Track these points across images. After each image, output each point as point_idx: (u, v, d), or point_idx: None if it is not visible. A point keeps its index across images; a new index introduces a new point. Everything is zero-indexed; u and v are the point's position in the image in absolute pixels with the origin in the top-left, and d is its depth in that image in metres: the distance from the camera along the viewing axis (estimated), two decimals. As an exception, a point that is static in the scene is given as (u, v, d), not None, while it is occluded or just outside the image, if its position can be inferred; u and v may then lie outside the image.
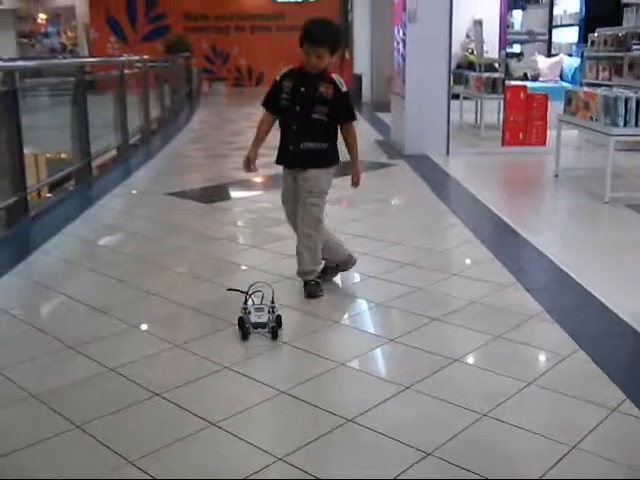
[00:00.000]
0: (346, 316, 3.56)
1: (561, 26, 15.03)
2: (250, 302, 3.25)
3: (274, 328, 3.17)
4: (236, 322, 3.22)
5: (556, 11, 15.51)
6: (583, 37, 13.96)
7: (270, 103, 3.81)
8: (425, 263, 4.27)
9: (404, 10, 8.34)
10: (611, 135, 5.90)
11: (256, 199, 6.27)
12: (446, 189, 6.86)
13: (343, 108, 3.71)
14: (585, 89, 6.66)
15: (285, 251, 4.41)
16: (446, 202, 6.03)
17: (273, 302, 3.25)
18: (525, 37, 10.10)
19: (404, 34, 8.44)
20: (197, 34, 23.34)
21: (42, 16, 24.76)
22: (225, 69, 24.26)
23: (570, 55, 13.12)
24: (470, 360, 2.97)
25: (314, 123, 3.64)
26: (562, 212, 5.82)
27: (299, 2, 23.80)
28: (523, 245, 4.74)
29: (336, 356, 2.98)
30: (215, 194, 6.57)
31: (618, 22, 14.26)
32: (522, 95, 8.64)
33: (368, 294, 3.78)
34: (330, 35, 3.68)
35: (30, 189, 5.65)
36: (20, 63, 7.94)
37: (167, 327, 3.35)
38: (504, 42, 15.29)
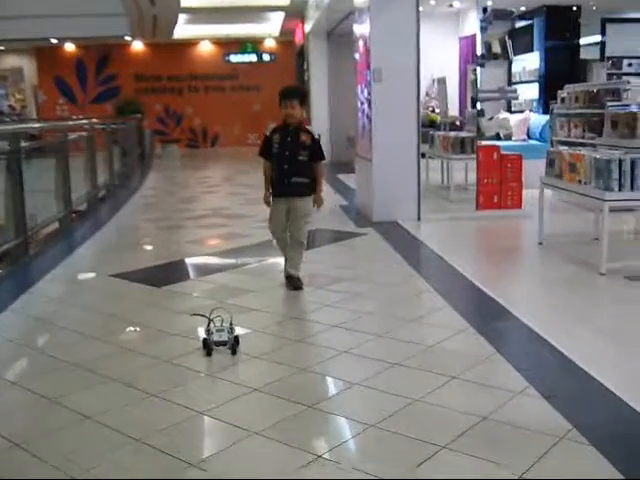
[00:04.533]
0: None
1: (520, 82, 14.82)
2: (212, 325, 3.85)
3: (233, 345, 3.78)
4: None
5: (515, 68, 15.35)
6: (544, 94, 13.76)
7: (266, 153, 5.14)
8: (415, 362, 3.60)
9: (368, 69, 7.83)
10: (605, 200, 5.36)
11: (214, 280, 5.53)
12: (425, 263, 6.24)
13: (317, 150, 5.09)
14: (569, 150, 6.14)
15: (250, 351, 3.73)
16: (427, 279, 5.38)
17: (232, 324, 3.87)
18: (496, 94, 9.72)
19: (369, 93, 7.93)
20: (149, 95, 22.79)
21: (-12, 78, 24.09)
22: (179, 130, 23.67)
23: (530, 111, 12.82)
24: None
25: (300, 163, 5.02)
26: (556, 287, 5.19)
27: (253, 62, 23.46)
28: (526, 335, 4.09)
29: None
30: (167, 274, 5.84)
31: (579, 79, 14.12)
32: (495, 156, 8.14)
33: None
34: (297, 91, 5.27)
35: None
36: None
37: None
38: (464, 100, 15.06)
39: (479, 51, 8.51)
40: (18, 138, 6.45)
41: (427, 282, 5.25)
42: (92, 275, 5.91)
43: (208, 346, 3.78)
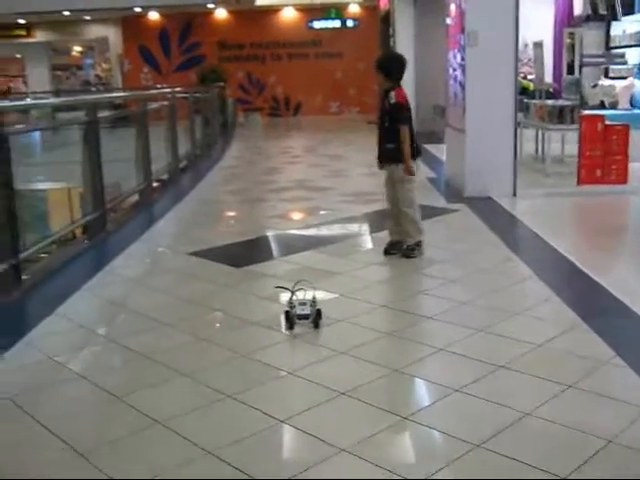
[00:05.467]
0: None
1: (620, 47, 13.88)
2: (294, 297, 3.75)
3: (316, 319, 3.70)
4: None
5: (614, 31, 14.37)
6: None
7: None
8: (522, 365, 3.16)
9: (462, 32, 7.28)
10: None
11: (297, 260, 5.17)
12: (525, 245, 5.70)
13: (394, 115, 5.00)
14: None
15: (337, 346, 3.37)
16: (528, 264, 4.86)
17: (314, 298, 3.76)
18: (602, 59, 8.98)
19: (462, 59, 7.38)
20: (232, 63, 22.51)
21: (76, 48, 24.33)
22: (261, 99, 23.38)
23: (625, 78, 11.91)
24: None
25: (385, 129, 5.11)
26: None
27: (336, 28, 22.90)
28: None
29: None
30: (248, 253, 5.53)
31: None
32: (600, 126, 7.49)
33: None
34: (378, 62, 5.14)
35: (24, 253, 4.68)
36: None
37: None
38: (559, 66, 14.21)
39: (583, 11, 7.81)
40: (95, 108, 6.21)
41: (529, 268, 4.75)
42: (170, 252, 5.63)
43: (290, 319, 3.70)
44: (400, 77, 5.10)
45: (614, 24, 14.38)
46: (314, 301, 3.76)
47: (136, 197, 7.73)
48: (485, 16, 7.10)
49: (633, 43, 13.51)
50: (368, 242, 5.81)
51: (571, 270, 4.76)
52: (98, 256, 5.64)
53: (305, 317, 3.71)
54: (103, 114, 7.10)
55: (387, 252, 5.19)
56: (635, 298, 4.05)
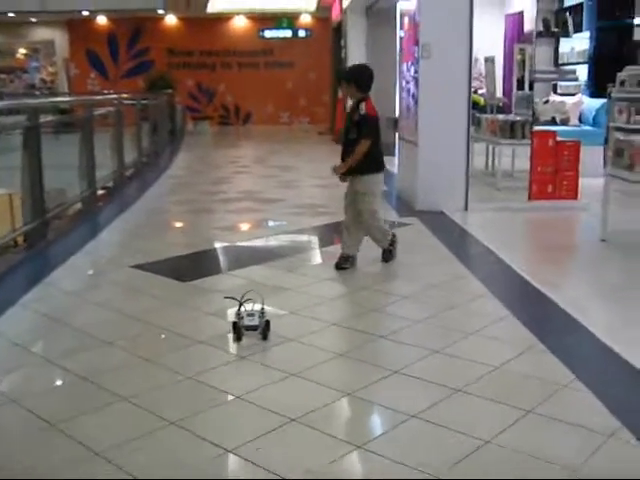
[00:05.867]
0: None
1: (568, 64, 14.06)
2: (243, 308, 3.68)
3: (264, 330, 3.63)
4: None
5: (562, 48, 14.56)
6: (594, 76, 12.99)
7: None
8: (478, 389, 3.05)
9: (416, 45, 7.22)
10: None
11: (246, 275, 5.00)
12: (478, 261, 5.61)
13: (360, 127, 4.94)
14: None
15: (293, 369, 3.21)
16: (483, 281, 4.78)
17: (263, 308, 3.70)
18: (554, 75, 9.02)
19: (416, 71, 7.32)
20: (182, 70, 22.24)
21: (21, 51, 23.72)
22: (211, 107, 23.13)
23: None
24: None
25: (351, 142, 4.98)
26: (633, 294, 4.59)
27: (288, 38, 22.80)
28: (606, 357, 3.52)
29: None
30: (195, 266, 5.34)
31: (632, 61, 13.33)
32: (551, 142, 7.50)
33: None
34: (347, 72, 5.35)
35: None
36: None
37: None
38: (509, 82, 14.33)
39: (535, 27, 7.84)
40: (37, 113, 5.95)
41: (483, 284, 4.67)
42: (113, 265, 5.39)
43: (238, 330, 3.63)
44: (370, 87, 5.05)
45: (563, 41, 14.59)
46: (263, 312, 3.70)
47: (80, 205, 7.46)
48: (439, 29, 7.05)
49: (581, 60, 13.72)
50: (318, 256, 5.68)
51: (525, 287, 4.69)
52: (37, 268, 5.38)
53: (253, 328, 3.64)
54: (46, 119, 6.85)
55: (338, 266, 5.06)
56: (589, 316, 4.00)
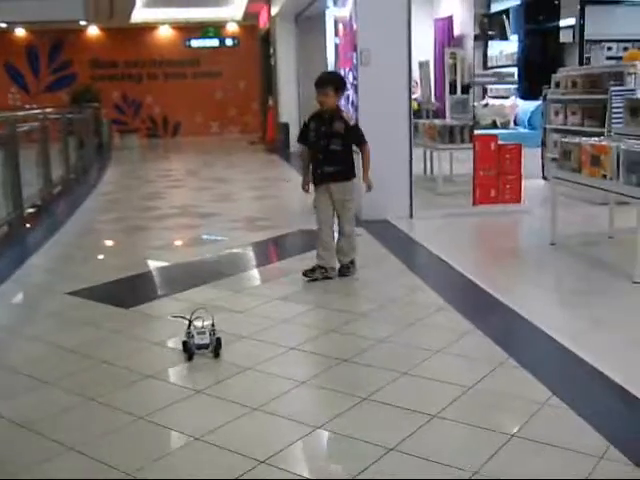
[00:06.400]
0: None
1: (497, 67, 14.18)
2: (192, 327, 3.58)
3: (216, 348, 3.54)
4: None
5: (491, 52, 14.68)
6: (523, 78, 13.11)
7: (304, 139, 5.07)
8: (454, 414, 2.85)
9: (354, 51, 7.05)
10: (640, 199, 4.68)
11: (189, 297, 4.68)
12: (431, 271, 5.44)
13: (356, 137, 5.00)
14: (590, 141, 5.45)
15: (253, 402, 2.95)
16: (439, 292, 4.61)
17: (213, 326, 3.61)
18: (492, 79, 8.99)
19: (354, 78, 7.15)
20: (106, 82, 21.64)
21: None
22: (138, 119, 22.58)
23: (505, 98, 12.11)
24: None
25: (332, 153, 4.91)
26: (592, 299, 4.48)
27: (215, 47, 22.46)
28: (583, 371, 3.37)
29: None
30: (134, 291, 5.02)
31: (561, 62, 13.53)
32: (493, 146, 7.43)
33: None
34: (331, 78, 5.09)
35: None
36: None
37: None
38: (440, 86, 14.36)
39: (473, 31, 7.79)
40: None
41: (440, 296, 4.49)
42: (47, 293, 5.02)
43: (189, 350, 3.53)
44: (343, 93, 5.14)
45: (491, 44, 14.72)
46: (213, 329, 3.60)
47: (5, 229, 7.01)
48: (377, 34, 6.89)
49: (510, 63, 13.87)
50: (265, 274, 5.42)
51: (484, 297, 4.53)
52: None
53: (205, 347, 3.55)
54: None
55: (306, 274, 4.93)
56: (553, 325, 3.86)
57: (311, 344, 3.80)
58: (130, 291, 5.02)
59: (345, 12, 7.54)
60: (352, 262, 5.08)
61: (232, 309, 4.39)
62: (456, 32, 13.19)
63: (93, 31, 21.77)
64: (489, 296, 4.50)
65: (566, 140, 5.81)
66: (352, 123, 4.99)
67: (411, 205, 7.18)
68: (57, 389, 3.26)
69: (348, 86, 7.48)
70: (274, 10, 16.10)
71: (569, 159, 5.64)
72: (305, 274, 4.92)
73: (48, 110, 11.80)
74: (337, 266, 5.05)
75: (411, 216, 7.17)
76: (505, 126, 10.00)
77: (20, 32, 21.45)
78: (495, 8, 14.34)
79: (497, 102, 10.55)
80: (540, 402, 2.94)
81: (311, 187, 5.11)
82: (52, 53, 21.81)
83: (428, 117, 10.03)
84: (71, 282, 5.11)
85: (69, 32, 21.23)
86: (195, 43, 22.34)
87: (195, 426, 2.82)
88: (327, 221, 5.03)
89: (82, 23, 20.45)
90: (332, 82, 4.93)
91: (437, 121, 9.15)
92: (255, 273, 5.51)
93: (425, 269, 5.50)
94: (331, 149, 4.88)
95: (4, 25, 20.29)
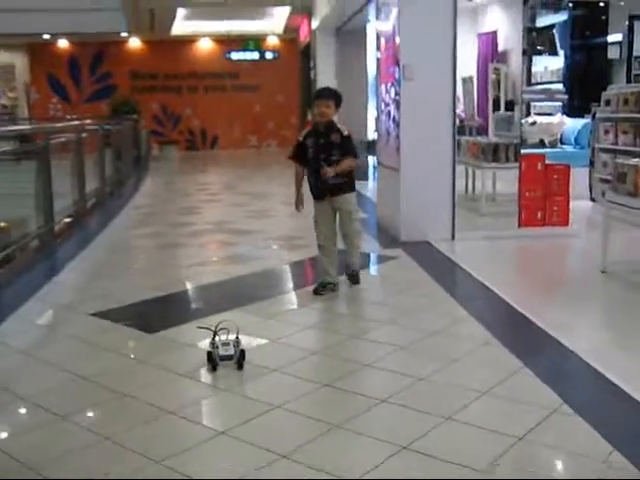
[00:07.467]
0: None
1: (541, 83, 13.79)
2: (217, 338, 3.64)
3: (239, 360, 3.58)
4: None
5: (535, 67, 14.29)
6: (569, 95, 12.71)
7: (299, 157, 5.05)
8: (509, 465, 2.54)
9: (397, 65, 6.78)
10: None
11: (219, 320, 4.43)
12: (477, 300, 4.99)
13: (346, 148, 4.94)
14: (648, 163, 5.10)
15: (281, 449, 2.67)
16: (486, 325, 4.28)
17: (238, 337, 3.66)
18: (541, 95, 8.67)
19: (397, 93, 6.87)
20: (146, 94, 21.66)
21: (-20, 76, 22.99)
22: (177, 131, 22.57)
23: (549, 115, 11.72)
24: None
25: (335, 164, 4.87)
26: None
27: (255, 60, 22.37)
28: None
29: None
30: (162, 313, 4.80)
31: (608, 79, 13.13)
32: (540, 166, 7.09)
33: None
34: (333, 92, 5.12)
35: None
36: None
37: None
38: (484, 102, 14.03)
39: (522, 46, 7.48)
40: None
41: (487, 329, 4.17)
42: (71, 313, 4.80)
43: (213, 360, 3.59)
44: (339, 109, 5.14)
45: (535, 60, 14.34)
46: (238, 341, 3.67)
47: (36, 243, 6.86)
48: (421, 49, 6.63)
49: (555, 79, 13.47)
50: (301, 298, 5.14)
51: (536, 333, 4.17)
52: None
53: (229, 358, 3.61)
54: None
55: (318, 292, 5.00)
56: (612, 367, 3.52)
57: (344, 382, 3.50)
58: (157, 313, 4.80)
59: (387, 26, 7.28)
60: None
61: (262, 335, 4.14)
62: (500, 47, 12.87)
63: (134, 43, 21.85)
64: (541, 331, 4.16)
65: (621, 161, 5.47)
66: (346, 133, 4.95)
67: (453, 226, 6.86)
68: (73, 425, 3.00)
69: (389, 101, 7.23)
70: (315, 24, 15.93)
71: (624, 182, 5.30)
72: (317, 292, 4.98)
73: (86, 121, 11.75)
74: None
75: (453, 237, 6.86)
76: (553, 145, 9.63)
77: (63, 43, 21.61)
78: (541, 23, 13.98)
79: (545, 120, 10.17)
80: (600, 460, 2.62)
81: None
82: (93, 64, 21.93)
83: (470, 134, 9.71)
84: (96, 302, 4.90)
85: (110, 44, 21.34)
86: (235, 56, 22.29)
87: (217, 472, 2.56)
88: (331, 236, 5.11)
89: (123, 35, 20.54)
90: (334, 96, 5.01)
91: (481, 138, 8.83)
92: (290, 297, 5.23)
93: (468, 297, 5.16)
94: (334, 160, 4.88)
95: (48, 36, 20.44)
